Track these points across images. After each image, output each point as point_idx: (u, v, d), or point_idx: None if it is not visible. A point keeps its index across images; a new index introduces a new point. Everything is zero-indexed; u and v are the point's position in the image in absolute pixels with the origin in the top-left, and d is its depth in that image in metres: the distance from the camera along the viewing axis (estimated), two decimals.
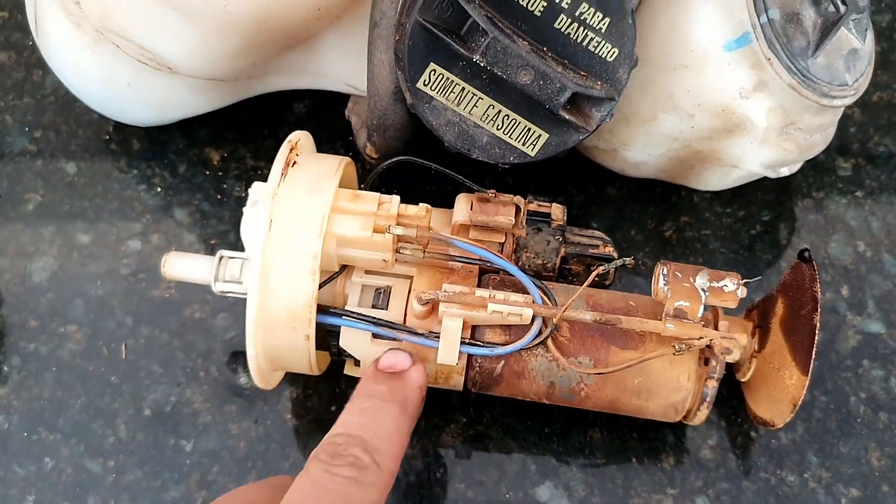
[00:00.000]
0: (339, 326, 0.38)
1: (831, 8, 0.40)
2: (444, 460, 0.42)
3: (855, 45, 0.41)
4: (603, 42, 0.37)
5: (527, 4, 0.36)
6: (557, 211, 0.42)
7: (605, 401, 0.39)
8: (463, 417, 0.43)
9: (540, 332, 0.37)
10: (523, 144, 0.40)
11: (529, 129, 0.39)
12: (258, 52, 0.44)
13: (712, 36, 0.40)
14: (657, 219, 0.48)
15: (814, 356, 0.36)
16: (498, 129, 0.40)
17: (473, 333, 0.38)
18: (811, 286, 0.37)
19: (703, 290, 0.37)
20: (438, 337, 0.37)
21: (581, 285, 0.38)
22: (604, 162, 0.48)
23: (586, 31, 0.37)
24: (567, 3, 0.36)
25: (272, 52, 0.45)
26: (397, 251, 0.38)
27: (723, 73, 0.40)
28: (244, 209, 0.38)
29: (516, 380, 0.39)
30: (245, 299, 0.36)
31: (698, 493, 0.41)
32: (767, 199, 0.49)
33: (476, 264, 0.39)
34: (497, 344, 0.38)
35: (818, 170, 0.49)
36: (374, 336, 0.38)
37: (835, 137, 0.47)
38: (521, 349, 0.37)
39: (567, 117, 0.38)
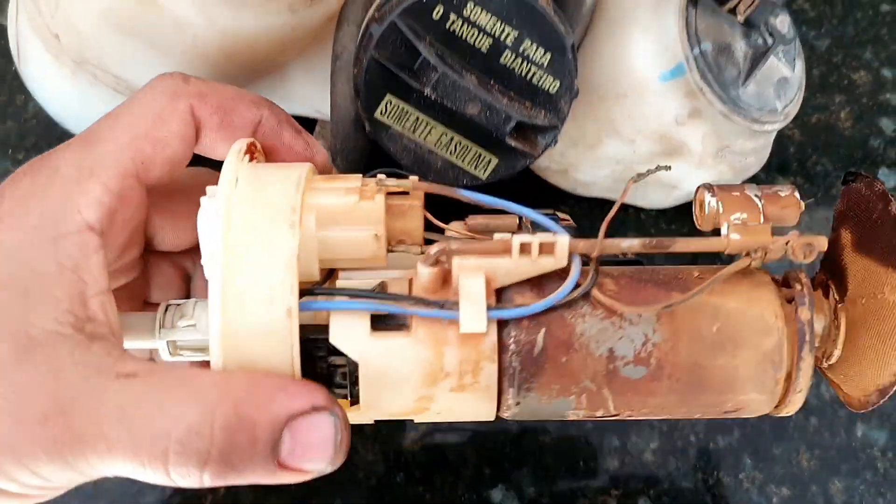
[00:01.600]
0: (327, 328, 0.30)
1: (760, 40, 0.43)
2: (404, 464, 0.45)
3: (785, 73, 0.44)
4: (545, 75, 0.40)
5: (474, 42, 0.39)
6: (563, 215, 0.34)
7: (683, 369, 0.30)
8: (422, 425, 0.46)
9: (580, 279, 0.30)
10: (475, 168, 0.43)
11: (480, 154, 0.42)
12: (227, 81, 0.46)
13: (649, 67, 0.43)
14: (607, 236, 0.51)
15: None
16: (451, 155, 0.42)
17: (499, 299, 0.30)
18: (872, 189, 0.32)
19: (756, 196, 0.31)
20: (457, 305, 0.29)
21: None
22: (557, 182, 0.51)
23: (530, 65, 0.40)
24: (511, 41, 0.39)
25: (241, 82, 0.47)
26: (390, 251, 0.32)
27: (659, 102, 0.43)
28: (201, 199, 0.31)
29: (565, 355, 0.30)
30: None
31: (640, 493, 0.44)
32: None
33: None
34: (529, 305, 0.30)
35: None
36: (375, 324, 0.30)
37: (775, 157, 0.50)
38: (565, 300, 0.30)
39: (514, 144, 0.41)
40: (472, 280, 0.29)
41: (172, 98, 0.32)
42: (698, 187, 0.32)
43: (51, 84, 0.48)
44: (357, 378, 0.29)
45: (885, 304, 0.31)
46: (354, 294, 0.30)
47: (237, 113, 0.33)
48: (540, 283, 0.30)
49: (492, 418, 0.31)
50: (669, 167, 0.33)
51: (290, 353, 0.28)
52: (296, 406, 0.27)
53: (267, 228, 0.28)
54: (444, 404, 0.30)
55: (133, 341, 0.32)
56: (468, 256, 0.29)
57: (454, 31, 0.39)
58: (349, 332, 0.29)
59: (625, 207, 0.52)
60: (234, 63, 0.44)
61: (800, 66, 0.45)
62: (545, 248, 0.29)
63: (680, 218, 0.51)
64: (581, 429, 0.45)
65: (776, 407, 0.32)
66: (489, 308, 0.29)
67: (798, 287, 0.31)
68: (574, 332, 0.30)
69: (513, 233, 0.29)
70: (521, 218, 0.33)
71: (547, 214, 0.32)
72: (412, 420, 0.31)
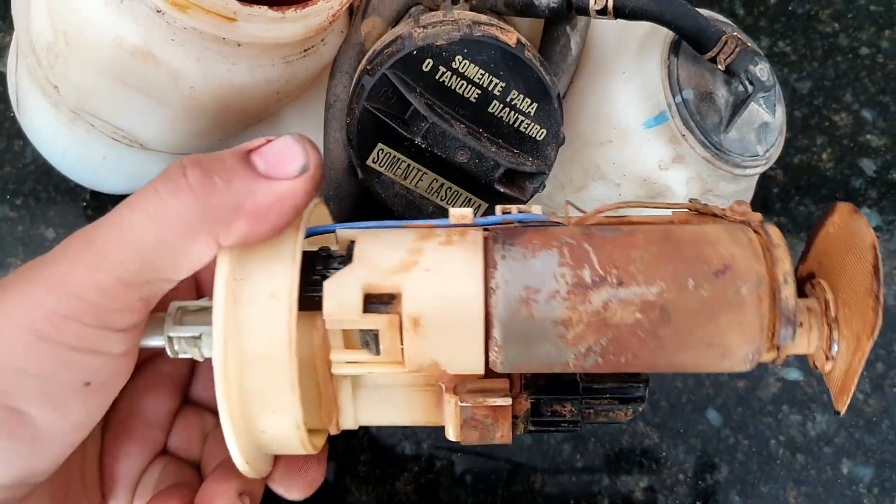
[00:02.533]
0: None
1: (741, 88, 0.44)
2: None
3: (766, 118, 0.45)
4: (532, 124, 0.41)
5: (463, 92, 0.40)
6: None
7: (654, 230, 0.32)
8: (415, 466, 0.46)
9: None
10: None
11: (470, 199, 0.43)
12: (223, 130, 0.47)
13: (633, 115, 0.44)
14: None
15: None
16: (442, 200, 0.43)
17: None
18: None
19: None
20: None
21: None
22: None
23: (517, 114, 0.41)
24: (499, 91, 0.40)
25: (236, 129, 0.48)
26: None
27: (643, 148, 0.44)
28: None
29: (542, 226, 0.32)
30: None
31: None
32: None
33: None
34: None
35: None
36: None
37: (758, 198, 0.51)
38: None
39: (503, 190, 0.42)
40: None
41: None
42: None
43: (49, 132, 0.49)
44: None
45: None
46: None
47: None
48: None
49: (480, 313, 0.30)
50: None
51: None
52: (252, 143, 0.31)
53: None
54: (432, 257, 0.31)
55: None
56: None
57: (443, 82, 0.40)
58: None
59: None
60: (229, 112, 0.45)
61: (780, 111, 0.47)
62: None
63: None
64: (571, 467, 0.46)
65: (773, 276, 0.30)
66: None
67: (773, 239, 0.32)
68: (552, 232, 0.31)
69: None
70: None
71: None
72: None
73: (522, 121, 0.41)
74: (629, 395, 0.32)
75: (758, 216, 0.32)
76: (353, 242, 0.32)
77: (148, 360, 0.38)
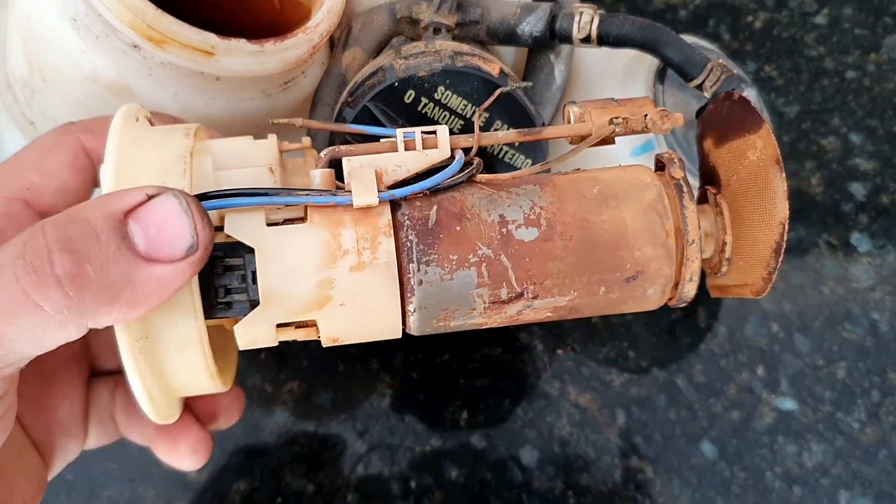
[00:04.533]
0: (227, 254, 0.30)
1: None
2: None
3: None
4: (517, 154, 0.41)
5: (446, 123, 0.40)
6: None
7: (574, 226, 0.31)
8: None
9: (464, 167, 0.31)
10: None
11: None
12: None
13: (619, 143, 0.43)
14: None
15: (755, 108, 0.32)
16: None
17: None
18: (725, 98, 0.33)
19: (614, 100, 0.34)
20: (349, 192, 0.30)
21: None
22: None
23: (501, 145, 0.40)
24: (482, 122, 0.40)
25: None
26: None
27: None
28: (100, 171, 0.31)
29: (459, 224, 0.30)
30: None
31: None
32: None
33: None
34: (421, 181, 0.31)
35: None
36: (270, 216, 0.30)
37: None
38: (451, 180, 0.31)
39: None
40: (362, 171, 0.30)
41: (61, 134, 0.34)
42: (565, 105, 0.34)
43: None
44: (255, 273, 0.29)
45: (752, 166, 0.32)
46: (248, 193, 0.29)
47: None
48: (428, 175, 0.31)
49: (398, 331, 0.31)
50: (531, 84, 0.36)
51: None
52: (130, 199, 0.26)
53: (159, 158, 0.30)
54: (347, 288, 0.30)
55: None
56: (357, 157, 0.30)
57: (426, 113, 0.39)
58: (245, 223, 0.29)
59: None
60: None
61: None
62: (428, 143, 0.31)
63: None
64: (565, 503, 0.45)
65: (680, 273, 0.32)
66: (379, 191, 0.30)
67: (666, 156, 0.33)
68: (465, 204, 0.31)
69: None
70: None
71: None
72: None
73: (507, 151, 0.40)
74: None
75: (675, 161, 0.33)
76: (251, 254, 0.29)
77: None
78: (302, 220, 0.30)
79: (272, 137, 0.32)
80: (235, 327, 0.29)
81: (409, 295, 0.30)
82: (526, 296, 0.31)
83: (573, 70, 0.45)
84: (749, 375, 0.49)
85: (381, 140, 0.31)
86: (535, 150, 0.41)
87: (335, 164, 0.31)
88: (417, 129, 0.31)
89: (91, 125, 0.35)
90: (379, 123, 0.39)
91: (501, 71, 0.39)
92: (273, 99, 0.42)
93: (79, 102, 0.41)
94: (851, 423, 0.48)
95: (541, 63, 0.45)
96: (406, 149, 0.31)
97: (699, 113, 0.34)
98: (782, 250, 0.31)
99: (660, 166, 0.33)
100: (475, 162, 0.31)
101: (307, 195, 0.29)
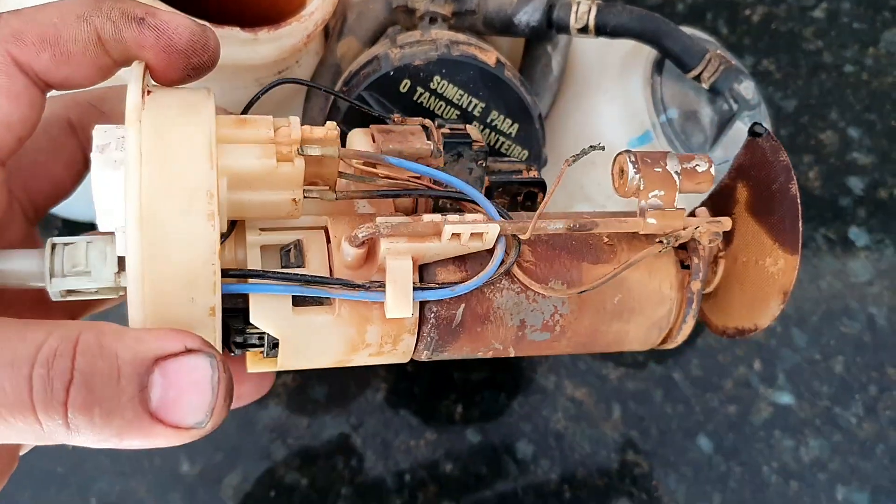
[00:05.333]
0: (246, 300, 0.28)
1: (725, 106, 0.43)
2: None
3: None
4: (513, 145, 0.40)
5: (441, 113, 0.39)
6: (475, 132, 0.34)
7: (583, 334, 0.33)
8: (398, 500, 0.45)
9: (504, 259, 0.30)
10: None
11: None
12: None
13: (617, 135, 0.43)
14: None
15: (801, 229, 0.32)
16: None
17: (422, 276, 0.30)
18: (776, 157, 0.32)
19: (676, 173, 0.31)
20: (382, 286, 0.28)
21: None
22: None
23: (497, 135, 0.40)
24: (479, 112, 0.39)
25: None
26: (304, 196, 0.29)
27: None
28: (91, 155, 0.26)
29: (480, 326, 0.31)
30: (103, 299, 0.30)
31: None
32: None
33: (404, 195, 0.31)
34: (454, 283, 0.29)
35: None
36: (297, 303, 0.28)
37: None
38: (487, 281, 0.30)
39: None
40: (399, 263, 0.28)
41: None
42: (620, 153, 0.33)
43: None
44: (276, 343, 0.29)
45: (765, 273, 0.33)
46: (276, 276, 0.28)
47: (65, 42, 0.27)
48: (464, 260, 0.30)
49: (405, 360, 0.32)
50: (603, 147, 0.32)
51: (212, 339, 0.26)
52: (167, 347, 0.24)
53: (182, 216, 0.25)
54: (361, 362, 0.31)
55: (16, 282, 0.28)
56: (397, 240, 0.28)
57: (422, 103, 0.39)
58: (270, 313, 0.28)
59: None
60: None
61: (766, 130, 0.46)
62: (475, 235, 0.29)
63: None
64: (560, 498, 0.44)
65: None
66: (415, 288, 0.28)
67: (696, 260, 0.33)
68: (492, 306, 0.31)
69: (442, 212, 0.29)
70: (430, 139, 0.32)
71: (515, 164, 0.35)
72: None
73: (503, 142, 0.40)
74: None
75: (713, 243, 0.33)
76: (276, 345, 0.29)
77: None
78: (329, 301, 0.29)
79: (300, 163, 0.28)
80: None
81: (415, 356, 0.32)
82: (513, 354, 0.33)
83: (570, 61, 0.45)
84: (746, 370, 0.49)
85: (425, 219, 0.28)
86: (531, 142, 0.40)
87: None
88: (467, 226, 0.28)
89: (17, 28, 0.27)
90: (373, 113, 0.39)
91: (498, 60, 0.39)
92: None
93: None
94: (849, 417, 0.47)
95: (538, 53, 0.44)
96: (451, 238, 0.28)
97: (752, 132, 0.33)
98: (745, 337, 0.34)
99: (685, 264, 0.33)
100: (512, 255, 0.30)
101: (341, 290, 0.28)
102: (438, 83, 0.38)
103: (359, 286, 0.28)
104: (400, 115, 0.33)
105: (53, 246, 0.28)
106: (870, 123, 0.58)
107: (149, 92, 0.27)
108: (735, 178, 0.34)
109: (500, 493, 0.45)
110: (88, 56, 0.27)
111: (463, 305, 0.30)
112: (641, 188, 0.31)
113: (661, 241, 0.31)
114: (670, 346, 0.35)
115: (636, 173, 0.31)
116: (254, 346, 0.29)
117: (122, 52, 0.28)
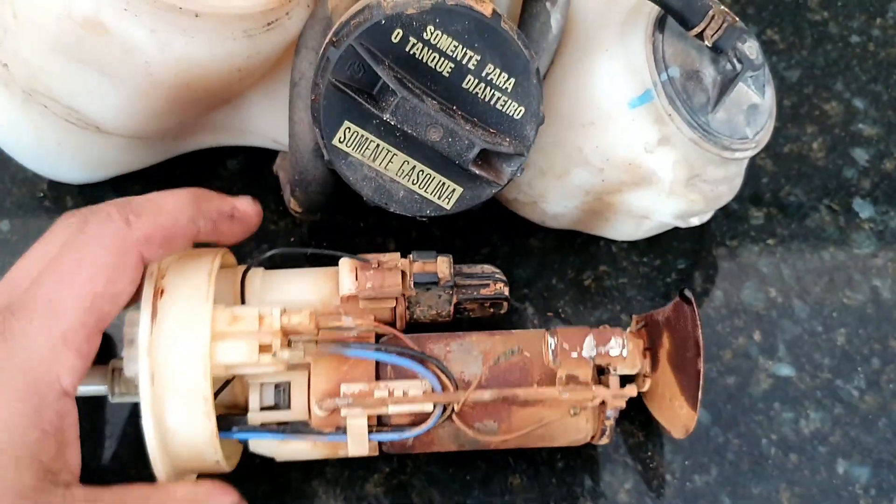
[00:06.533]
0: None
1: (728, 66, 0.42)
2: None
3: (755, 100, 0.43)
4: (509, 101, 0.39)
5: (435, 65, 0.38)
6: (443, 267, 0.42)
7: (514, 441, 0.40)
8: (386, 467, 0.44)
9: (444, 412, 0.39)
10: (439, 198, 0.41)
11: (444, 183, 0.41)
12: (183, 111, 0.45)
13: (616, 94, 0.42)
14: (577, 269, 0.50)
15: (700, 398, 0.38)
16: (413, 184, 0.41)
17: (380, 418, 0.40)
18: (693, 330, 0.38)
19: (590, 357, 0.39)
20: (346, 431, 0.39)
21: (473, 324, 0.43)
22: (526, 214, 0.50)
23: (493, 90, 0.39)
24: (474, 65, 0.38)
25: (197, 111, 0.46)
26: (288, 345, 0.39)
27: (628, 129, 0.42)
28: (124, 351, 0.38)
29: (428, 446, 0.41)
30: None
31: None
32: (683, 248, 0.50)
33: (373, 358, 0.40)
34: (405, 426, 0.39)
35: (731, 219, 0.51)
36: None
37: (748, 187, 0.49)
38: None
39: (478, 172, 0.40)
40: (357, 421, 0.39)
41: (121, 254, 0.35)
42: (545, 333, 0.39)
43: (1, 116, 0.46)
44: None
45: (674, 409, 0.40)
46: (267, 429, 0.39)
47: (178, 239, 0.37)
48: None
49: None
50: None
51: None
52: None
53: (187, 416, 0.36)
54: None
55: (86, 388, 0.40)
56: (354, 408, 0.38)
57: (414, 54, 0.37)
58: (265, 446, 0.40)
59: (596, 239, 0.50)
60: (190, 92, 0.42)
61: (770, 93, 0.44)
62: (415, 400, 0.39)
63: (652, 249, 0.50)
64: (551, 467, 0.43)
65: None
66: (371, 431, 0.39)
67: (609, 411, 0.39)
68: (436, 436, 0.40)
69: (398, 296, 0.42)
70: (404, 279, 0.42)
71: (484, 278, 0.44)
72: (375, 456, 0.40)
73: (499, 97, 0.39)
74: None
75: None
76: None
77: None
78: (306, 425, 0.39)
79: (284, 354, 0.38)
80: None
81: None
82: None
83: (569, 19, 0.44)
84: (745, 340, 0.47)
85: (376, 395, 0.38)
86: (528, 98, 0.39)
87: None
88: (406, 407, 0.39)
89: (149, 233, 0.36)
90: (364, 65, 0.37)
91: (494, 11, 0.37)
92: (255, 40, 0.40)
93: (51, 41, 0.39)
94: (851, 390, 0.46)
95: (536, 10, 0.43)
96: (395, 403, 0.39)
97: (681, 294, 0.40)
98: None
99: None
100: (448, 412, 0.39)
101: (315, 435, 0.39)
102: (432, 34, 0.37)
103: (328, 433, 0.39)
104: (377, 261, 0.42)
105: (113, 370, 0.40)
106: (876, 94, 0.56)
107: (162, 292, 0.37)
108: (664, 325, 0.41)
109: (492, 462, 0.44)
110: (187, 246, 0.38)
111: (412, 438, 0.39)
112: (559, 367, 0.39)
113: (571, 411, 0.39)
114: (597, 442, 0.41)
115: (554, 358, 0.39)
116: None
117: (208, 239, 0.39)
